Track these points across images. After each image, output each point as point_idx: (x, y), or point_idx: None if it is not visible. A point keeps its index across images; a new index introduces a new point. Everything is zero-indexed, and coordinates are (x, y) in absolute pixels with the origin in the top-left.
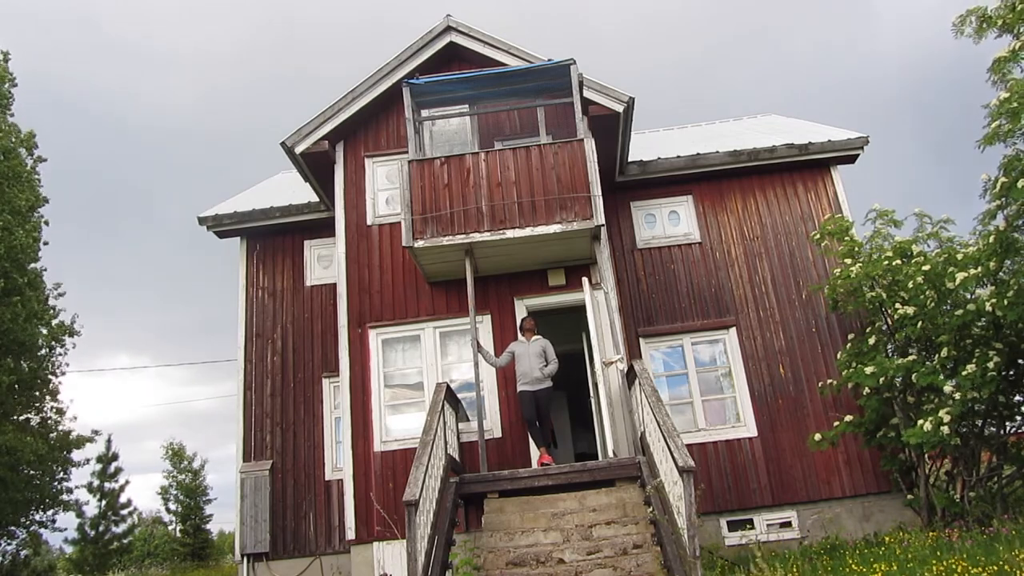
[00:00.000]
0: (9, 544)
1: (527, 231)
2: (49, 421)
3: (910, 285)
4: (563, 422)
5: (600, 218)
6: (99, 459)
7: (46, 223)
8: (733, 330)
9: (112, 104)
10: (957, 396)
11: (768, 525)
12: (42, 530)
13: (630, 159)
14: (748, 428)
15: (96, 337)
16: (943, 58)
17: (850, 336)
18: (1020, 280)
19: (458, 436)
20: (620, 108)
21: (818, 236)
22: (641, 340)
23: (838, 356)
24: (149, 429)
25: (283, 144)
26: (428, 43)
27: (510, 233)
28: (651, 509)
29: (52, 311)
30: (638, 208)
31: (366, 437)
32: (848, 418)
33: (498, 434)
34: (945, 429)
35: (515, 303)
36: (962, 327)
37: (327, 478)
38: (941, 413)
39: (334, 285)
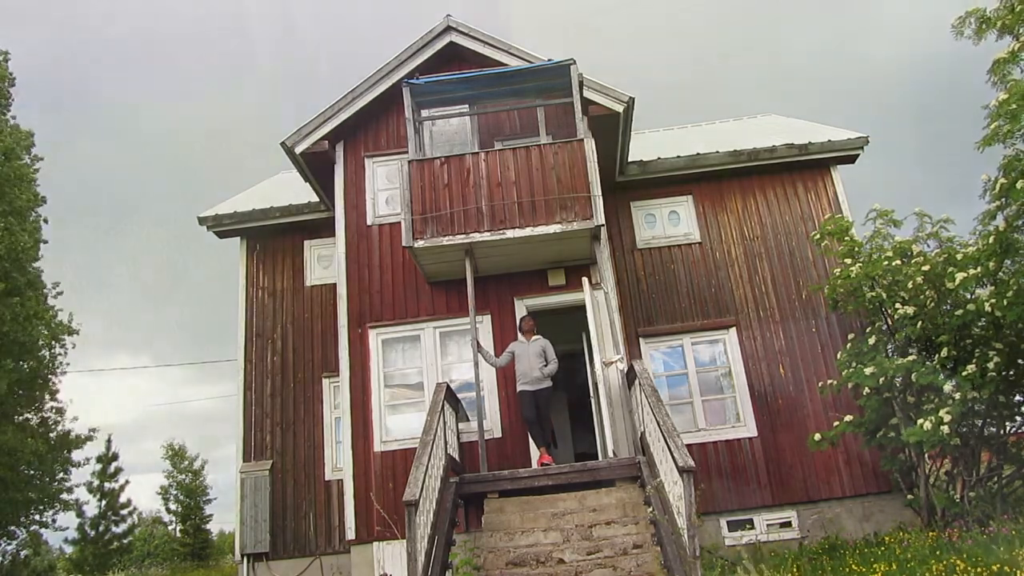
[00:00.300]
0: (9, 544)
1: (527, 231)
2: (49, 421)
3: (910, 285)
4: (563, 422)
5: (600, 218)
6: (99, 459)
7: (45, 221)
8: (733, 330)
9: (112, 103)
10: (957, 396)
11: (768, 525)
12: (42, 530)
13: (630, 159)
14: (748, 428)
15: (96, 337)
16: (943, 59)
17: (850, 336)
18: (1020, 280)
19: (458, 436)
20: (620, 108)
21: (818, 236)
22: (641, 340)
23: (838, 356)
24: (149, 429)
25: (283, 144)
26: (428, 43)
27: (510, 233)
28: (651, 509)
29: (52, 311)
30: (638, 208)
31: (366, 437)
32: (848, 418)
33: (498, 434)
34: (945, 429)
35: (515, 303)
36: (962, 327)
37: (327, 478)
38: (941, 413)
39: (334, 285)
